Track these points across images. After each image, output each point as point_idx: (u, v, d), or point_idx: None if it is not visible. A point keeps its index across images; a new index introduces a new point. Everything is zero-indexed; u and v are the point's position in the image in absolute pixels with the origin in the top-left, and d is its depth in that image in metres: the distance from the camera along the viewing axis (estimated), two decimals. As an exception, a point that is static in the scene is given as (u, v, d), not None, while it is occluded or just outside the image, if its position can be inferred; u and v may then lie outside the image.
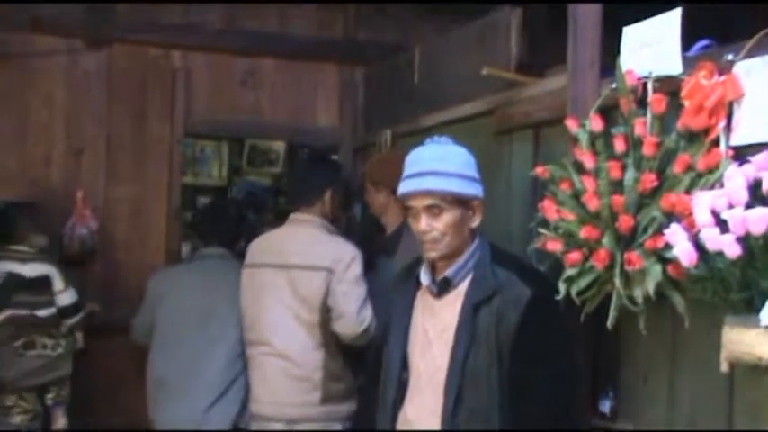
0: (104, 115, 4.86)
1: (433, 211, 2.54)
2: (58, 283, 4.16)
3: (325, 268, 3.43)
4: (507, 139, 3.39)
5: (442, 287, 2.62)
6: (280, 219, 7.91)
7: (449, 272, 2.60)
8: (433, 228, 2.54)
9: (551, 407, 2.44)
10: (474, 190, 2.59)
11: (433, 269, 2.67)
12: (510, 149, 3.38)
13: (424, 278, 2.66)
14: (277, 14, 5.21)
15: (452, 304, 2.58)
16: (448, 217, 2.54)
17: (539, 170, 2.80)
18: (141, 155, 4.91)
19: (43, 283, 4.14)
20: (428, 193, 2.53)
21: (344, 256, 3.46)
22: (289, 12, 5.20)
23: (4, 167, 4.32)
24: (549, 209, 2.67)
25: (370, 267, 3.62)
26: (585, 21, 2.80)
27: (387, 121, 4.67)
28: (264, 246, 3.70)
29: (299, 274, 3.46)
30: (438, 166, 2.53)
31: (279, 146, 8.19)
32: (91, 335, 4.46)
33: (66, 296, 4.17)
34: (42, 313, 4.09)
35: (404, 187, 2.59)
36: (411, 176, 2.57)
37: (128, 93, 4.92)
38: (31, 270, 4.13)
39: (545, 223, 2.72)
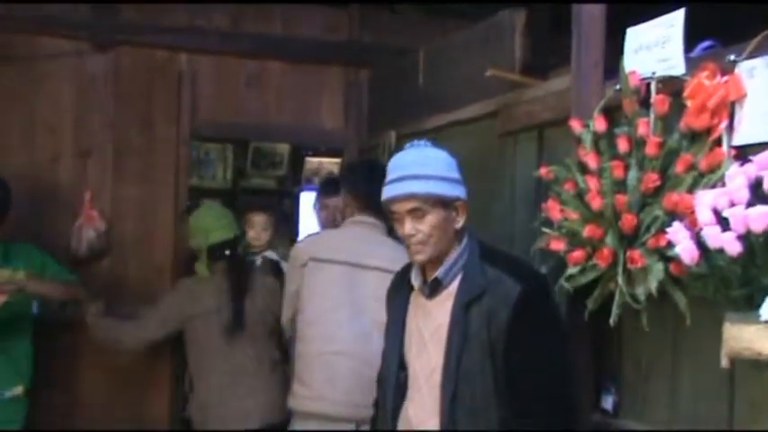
0: (111, 117, 4.86)
1: (417, 214, 2.52)
2: None
3: None
4: (511, 140, 3.41)
5: (433, 288, 2.62)
6: (284, 221, 8.02)
7: (438, 273, 2.59)
8: (417, 230, 2.53)
9: (548, 401, 2.44)
10: (456, 191, 2.57)
11: (423, 271, 2.67)
12: (514, 150, 3.40)
13: (416, 280, 2.67)
14: (282, 17, 5.21)
15: (444, 304, 2.58)
16: (432, 219, 2.52)
17: (542, 170, 2.84)
18: (148, 156, 4.91)
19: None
20: (410, 197, 2.52)
21: None
22: (293, 15, 5.21)
23: (12, 168, 4.33)
24: (552, 208, 2.70)
25: None
26: (589, 22, 2.82)
27: (391, 122, 4.68)
28: (328, 242, 3.64)
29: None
30: (418, 169, 2.53)
31: (283, 148, 8.21)
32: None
33: None
34: None
35: (386, 192, 2.58)
36: (392, 182, 2.57)
37: (134, 95, 4.92)
38: None
39: (548, 223, 2.75)
